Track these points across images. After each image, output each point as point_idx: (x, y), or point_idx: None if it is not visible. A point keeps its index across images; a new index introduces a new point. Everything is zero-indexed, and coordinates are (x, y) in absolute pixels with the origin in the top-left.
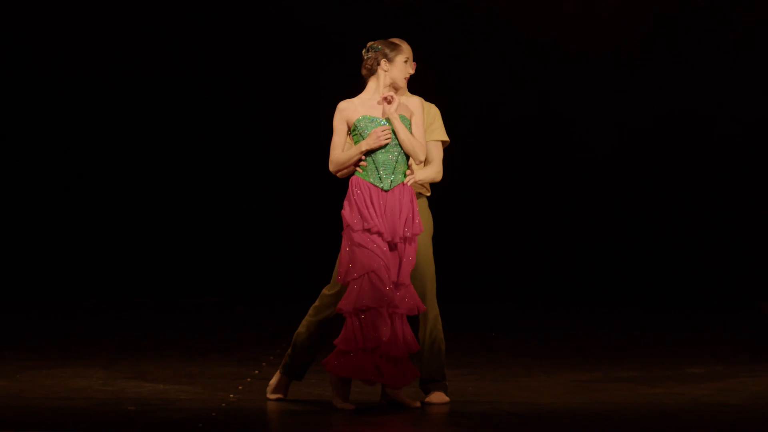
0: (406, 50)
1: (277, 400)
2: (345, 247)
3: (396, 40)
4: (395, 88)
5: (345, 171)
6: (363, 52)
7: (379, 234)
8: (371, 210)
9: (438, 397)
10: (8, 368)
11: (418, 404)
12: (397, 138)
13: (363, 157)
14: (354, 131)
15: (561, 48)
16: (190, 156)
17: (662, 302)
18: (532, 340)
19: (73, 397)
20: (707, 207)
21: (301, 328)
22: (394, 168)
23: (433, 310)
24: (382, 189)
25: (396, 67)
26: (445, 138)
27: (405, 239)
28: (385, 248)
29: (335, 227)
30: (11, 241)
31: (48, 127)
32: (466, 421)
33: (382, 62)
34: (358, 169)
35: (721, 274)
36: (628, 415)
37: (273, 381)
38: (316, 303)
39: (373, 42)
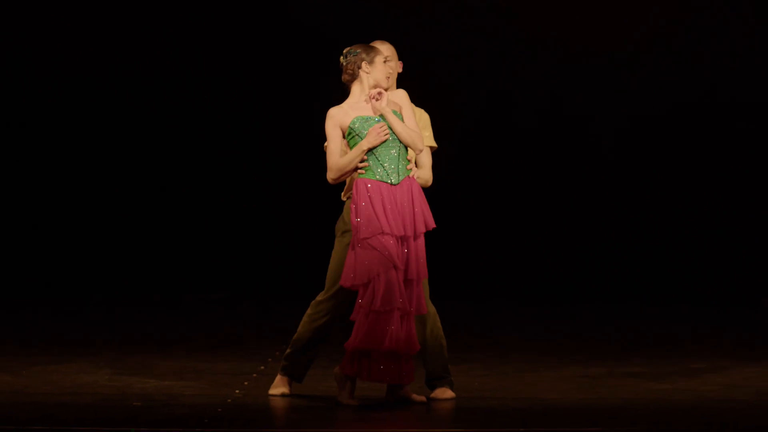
0: (384, 50)
1: (282, 395)
2: (351, 248)
3: (374, 43)
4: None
5: (345, 176)
6: (341, 59)
7: (389, 234)
8: (380, 209)
9: (444, 392)
10: (14, 364)
11: (423, 399)
12: (393, 132)
13: (365, 157)
14: (350, 135)
15: (561, 48)
16: (190, 156)
17: (666, 298)
18: (536, 337)
19: (78, 392)
20: (711, 204)
21: (298, 334)
22: (398, 162)
23: (431, 308)
24: (391, 184)
25: (377, 68)
26: (434, 144)
27: (416, 234)
28: (395, 249)
29: (334, 226)
30: (17, 241)
31: (48, 127)
32: (472, 416)
33: (363, 65)
34: (360, 171)
35: (724, 271)
36: (635, 411)
37: (275, 382)
38: (310, 311)
39: (348, 48)
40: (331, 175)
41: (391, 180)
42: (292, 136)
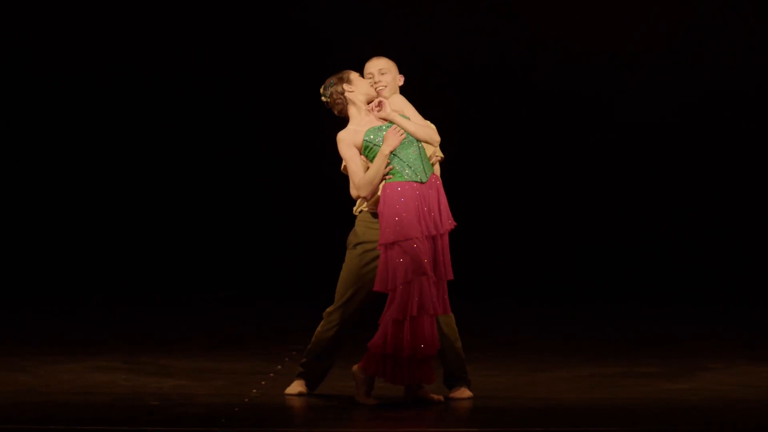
0: (380, 64)
1: (299, 394)
2: (383, 253)
3: (371, 60)
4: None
5: (375, 188)
6: (322, 98)
7: (421, 237)
8: (413, 212)
9: (462, 392)
10: (30, 364)
11: (441, 399)
12: (407, 133)
13: (388, 161)
14: (367, 148)
15: (562, 48)
16: (190, 156)
17: (666, 298)
18: (537, 337)
19: (94, 392)
20: (711, 204)
21: (312, 344)
22: (421, 160)
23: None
24: (420, 182)
25: (357, 83)
26: (442, 155)
27: (443, 234)
28: (427, 254)
29: (334, 226)
30: (17, 241)
31: (48, 127)
32: (488, 416)
33: (345, 88)
34: (388, 176)
35: (724, 271)
36: (649, 411)
37: (292, 385)
38: (323, 322)
39: (321, 86)
40: (362, 193)
41: (420, 178)
42: (293, 136)
